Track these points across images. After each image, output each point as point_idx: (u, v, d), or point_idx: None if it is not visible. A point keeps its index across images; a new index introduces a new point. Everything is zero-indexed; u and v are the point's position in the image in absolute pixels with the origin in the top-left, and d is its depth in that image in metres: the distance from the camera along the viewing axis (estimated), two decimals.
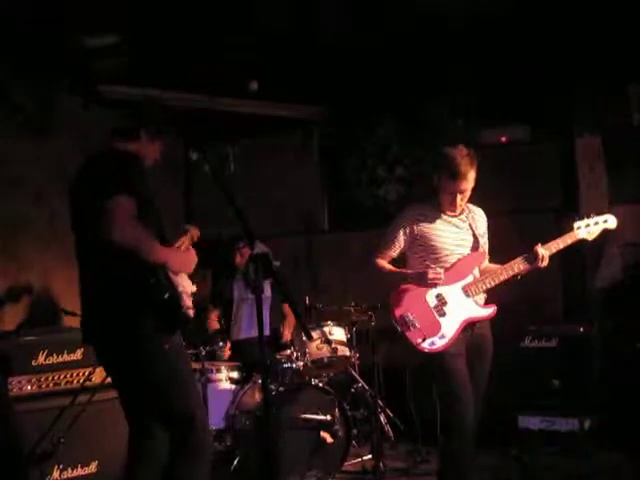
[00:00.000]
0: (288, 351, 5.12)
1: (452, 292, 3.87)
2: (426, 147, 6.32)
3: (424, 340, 3.80)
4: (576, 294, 6.06)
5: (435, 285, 3.82)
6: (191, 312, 3.20)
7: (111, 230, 2.89)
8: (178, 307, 3.10)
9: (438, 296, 3.86)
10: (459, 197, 3.87)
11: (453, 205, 3.90)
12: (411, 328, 3.83)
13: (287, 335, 5.73)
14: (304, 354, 5.03)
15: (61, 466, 4.26)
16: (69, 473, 4.29)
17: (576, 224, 3.94)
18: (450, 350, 3.79)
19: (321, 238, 6.92)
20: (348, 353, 5.19)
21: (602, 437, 5.11)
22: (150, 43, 5.02)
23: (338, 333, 5.18)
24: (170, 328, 3.10)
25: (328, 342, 5.06)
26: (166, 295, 3.01)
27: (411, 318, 3.84)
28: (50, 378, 4.39)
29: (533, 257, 3.83)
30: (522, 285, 5.55)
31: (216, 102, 6.16)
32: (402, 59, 5.64)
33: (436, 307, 3.85)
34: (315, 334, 5.07)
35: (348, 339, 5.26)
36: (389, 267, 4.01)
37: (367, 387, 5.53)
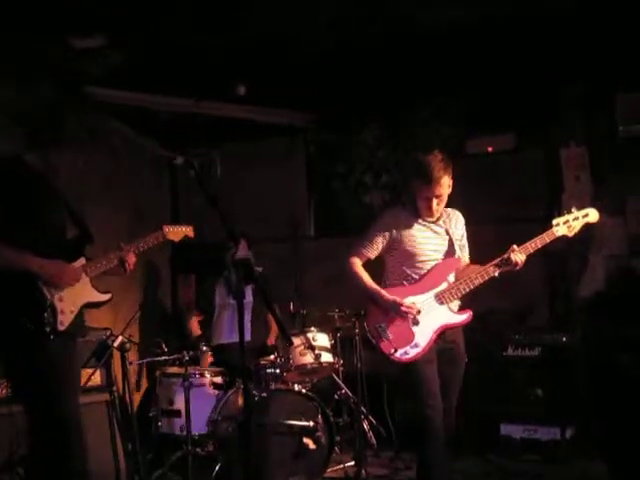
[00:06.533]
0: (272, 357, 5.11)
1: (426, 300, 3.88)
2: (411, 155, 6.34)
3: (396, 351, 3.81)
4: (560, 304, 6.09)
5: (407, 318, 3.82)
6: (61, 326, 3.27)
7: None
8: None
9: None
10: (435, 202, 3.86)
11: (430, 210, 3.90)
12: (383, 339, 3.84)
13: (271, 340, 5.73)
14: (288, 360, 5.02)
15: None
16: None
17: (555, 221, 3.94)
18: (421, 358, 3.81)
19: (306, 244, 6.92)
20: (332, 359, 5.18)
21: (584, 446, 5.13)
22: (136, 46, 5.01)
23: (322, 339, 5.17)
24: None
25: (312, 348, 5.05)
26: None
27: (384, 328, 3.85)
28: None
29: (507, 262, 3.83)
30: (506, 294, 5.60)
31: (203, 106, 6.15)
32: (388, 66, 5.65)
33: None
34: (299, 340, 5.06)
35: (332, 345, 5.25)
36: (367, 279, 3.98)
37: (350, 394, 5.53)
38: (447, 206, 4.03)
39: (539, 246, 3.88)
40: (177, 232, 3.96)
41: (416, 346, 3.80)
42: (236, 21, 4.83)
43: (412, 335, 3.83)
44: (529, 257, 3.88)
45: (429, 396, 3.77)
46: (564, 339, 5.36)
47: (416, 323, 3.84)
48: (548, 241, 3.90)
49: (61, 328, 3.24)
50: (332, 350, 5.21)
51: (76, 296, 3.36)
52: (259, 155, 7.06)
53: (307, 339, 5.09)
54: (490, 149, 6.34)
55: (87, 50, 4.94)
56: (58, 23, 4.56)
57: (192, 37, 5.00)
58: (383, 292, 3.90)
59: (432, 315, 3.87)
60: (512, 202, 6.09)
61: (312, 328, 5.21)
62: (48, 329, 3.19)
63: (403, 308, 3.81)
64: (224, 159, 6.88)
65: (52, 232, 3.36)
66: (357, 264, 4.02)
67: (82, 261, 3.45)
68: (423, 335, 3.83)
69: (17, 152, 3.37)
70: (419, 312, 3.85)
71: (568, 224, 3.93)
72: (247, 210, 6.61)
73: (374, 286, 3.95)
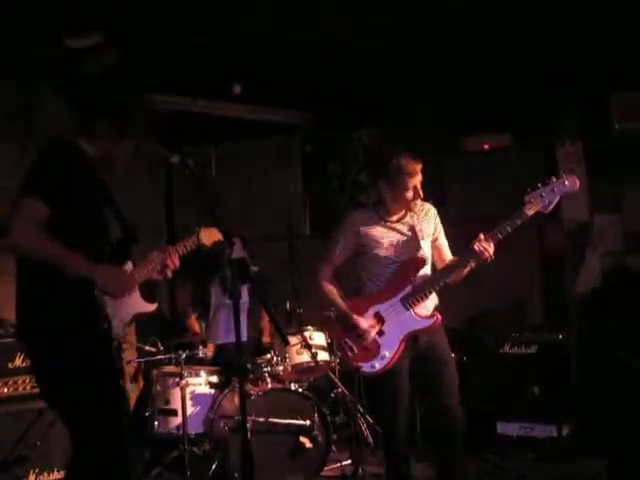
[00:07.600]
0: (268, 355, 5.11)
1: (390, 308, 3.76)
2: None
3: (362, 365, 3.76)
4: (556, 301, 6.09)
5: (364, 338, 3.73)
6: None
7: (12, 233, 2.71)
8: None
9: (376, 315, 3.76)
10: (413, 194, 3.75)
11: (414, 201, 3.79)
12: (349, 353, 3.78)
13: (267, 338, 5.73)
14: (284, 359, 5.03)
15: (37, 470, 4.25)
16: (45, 477, 4.27)
17: (526, 197, 3.59)
18: (389, 368, 3.74)
19: (303, 243, 6.91)
20: (328, 358, 5.19)
21: (580, 443, 5.14)
22: (133, 44, 5.00)
23: (318, 338, 5.19)
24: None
25: (308, 347, 5.05)
26: None
27: (349, 343, 3.78)
28: (27, 381, 4.38)
29: (472, 254, 3.64)
30: (502, 291, 5.60)
31: (198, 105, 6.15)
32: (385, 66, 5.65)
33: (374, 327, 3.75)
34: (295, 339, 5.07)
35: (328, 344, 5.26)
36: (330, 291, 3.88)
37: (347, 392, 5.53)
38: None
39: (510, 231, 3.58)
40: (211, 236, 3.67)
41: (382, 358, 3.71)
42: (234, 21, 4.83)
43: (378, 347, 3.73)
44: (511, 246, 3.70)
45: (394, 406, 3.77)
46: (560, 337, 5.37)
47: (381, 334, 3.74)
48: (520, 223, 3.58)
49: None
50: (328, 349, 5.22)
51: (129, 306, 3.02)
52: (255, 154, 7.04)
53: (304, 338, 5.10)
54: (487, 146, 6.35)
55: (83, 48, 4.93)
56: (56, 22, 4.56)
57: (189, 36, 5.00)
58: (343, 308, 3.81)
59: (397, 323, 3.73)
60: (508, 200, 6.07)
61: (309, 327, 5.23)
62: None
63: (358, 332, 3.73)
64: (220, 158, 6.88)
65: (98, 230, 2.97)
66: (325, 275, 3.91)
67: (130, 266, 3.06)
68: (389, 346, 3.73)
69: (69, 137, 3.00)
70: (383, 322, 3.74)
71: (542, 199, 3.57)
72: (243, 209, 6.60)
73: (337, 300, 3.86)
